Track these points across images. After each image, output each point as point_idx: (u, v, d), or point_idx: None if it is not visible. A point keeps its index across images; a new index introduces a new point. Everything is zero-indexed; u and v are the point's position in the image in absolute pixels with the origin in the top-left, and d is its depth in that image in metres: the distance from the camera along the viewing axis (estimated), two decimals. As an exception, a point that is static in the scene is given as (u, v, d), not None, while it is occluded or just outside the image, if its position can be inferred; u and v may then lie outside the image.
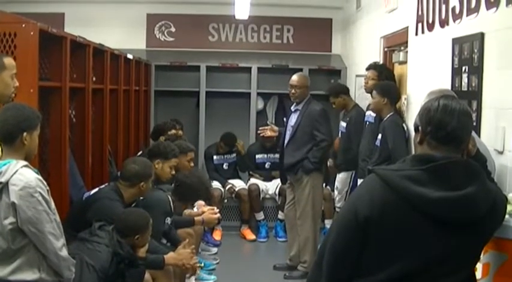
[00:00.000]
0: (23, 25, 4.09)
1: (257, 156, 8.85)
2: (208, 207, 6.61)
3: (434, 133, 2.44)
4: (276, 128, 7.31)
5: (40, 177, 3.25)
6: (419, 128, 2.50)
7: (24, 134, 3.25)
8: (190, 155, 6.35)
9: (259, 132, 7.72)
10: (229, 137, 8.74)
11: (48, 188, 3.29)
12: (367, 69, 6.50)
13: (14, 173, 3.15)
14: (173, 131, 7.40)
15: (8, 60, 3.61)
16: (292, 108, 6.89)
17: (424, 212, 2.35)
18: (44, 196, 3.22)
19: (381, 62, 6.88)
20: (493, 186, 2.54)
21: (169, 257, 4.74)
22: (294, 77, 6.82)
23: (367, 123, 6.28)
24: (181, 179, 5.50)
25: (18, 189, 3.13)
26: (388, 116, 5.59)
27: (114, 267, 4.09)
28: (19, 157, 3.25)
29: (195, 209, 6.46)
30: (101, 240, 4.12)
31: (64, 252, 3.32)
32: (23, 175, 3.17)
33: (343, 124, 6.98)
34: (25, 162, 3.24)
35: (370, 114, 6.22)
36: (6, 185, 3.14)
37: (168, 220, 5.28)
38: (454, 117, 2.42)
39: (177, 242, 5.30)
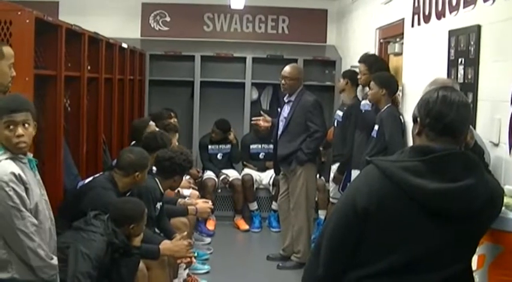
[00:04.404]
0: (19, 13, 4.06)
1: (251, 146, 8.86)
2: (203, 199, 6.62)
3: (433, 125, 2.44)
4: (269, 118, 7.30)
5: (21, 173, 3.20)
6: (418, 119, 2.50)
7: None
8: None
9: (252, 122, 7.73)
10: (224, 123, 8.74)
11: (29, 186, 3.23)
12: (359, 62, 6.46)
13: None
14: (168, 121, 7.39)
15: (7, 50, 3.59)
16: (285, 99, 6.87)
17: (422, 203, 2.36)
18: (18, 192, 3.16)
19: (374, 53, 6.84)
20: (491, 178, 2.54)
21: (165, 248, 4.74)
22: (286, 68, 6.80)
23: (363, 111, 6.23)
24: (159, 154, 5.47)
25: None
26: (386, 107, 5.58)
27: (109, 256, 4.09)
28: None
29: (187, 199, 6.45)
30: (96, 229, 4.11)
31: (38, 253, 3.25)
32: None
33: (340, 113, 6.95)
34: (10, 155, 3.21)
35: (366, 103, 6.18)
36: None
37: (158, 205, 5.29)
38: (453, 109, 2.42)
39: (170, 233, 5.29)
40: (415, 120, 2.54)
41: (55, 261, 3.39)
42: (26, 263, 3.23)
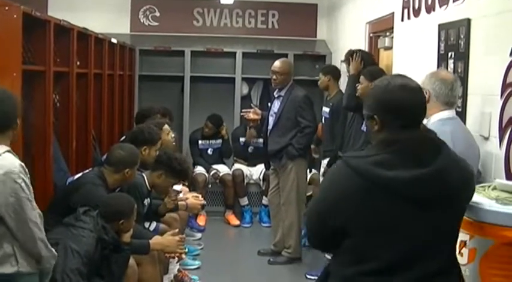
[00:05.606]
0: (6, 8, 4.02)
1: (241, 139, 8.83)
2: (193, 193, 6.59)
3: (396, 116, 2.43)
4: (259, 111, 7.32)
5: (23, 164, 3.21)
6: (375, 116, 2.48)
7: (18, 121, 3.26)
8: (166, 129, 6.25)
9: (242, 114, 7.73)
10: (216, 118, 8.73)
11: (29, 176, 3.25)
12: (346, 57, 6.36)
13: None
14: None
15: None
16: (275, 94, 6.86)
17: (400, 195, 2.35)
18: (27, 183, 3.18)
19: (362, 49, 6.79)
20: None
21: (155, 242, 4.72)
22: (276, 63, 6.78)
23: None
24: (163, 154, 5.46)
25: (1, 173, 3.08)
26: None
27: (99, 252, 4.07)
28: (6, 142, 3.22)
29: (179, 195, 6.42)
30: (86, 225, 4.09)
31: (46, 243, 3.29)
32: (6, 160, 3.12)
33: (326, 109, 6.93)
34: (8, 148, 3.20)
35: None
36: None
37: (146, 202, 5.28)
38: (414, 95, 2.47)
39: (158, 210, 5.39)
40: (370, 117, 2.51)
41: (55, 251, 3.44)
42: (33, 254, 3.25)
